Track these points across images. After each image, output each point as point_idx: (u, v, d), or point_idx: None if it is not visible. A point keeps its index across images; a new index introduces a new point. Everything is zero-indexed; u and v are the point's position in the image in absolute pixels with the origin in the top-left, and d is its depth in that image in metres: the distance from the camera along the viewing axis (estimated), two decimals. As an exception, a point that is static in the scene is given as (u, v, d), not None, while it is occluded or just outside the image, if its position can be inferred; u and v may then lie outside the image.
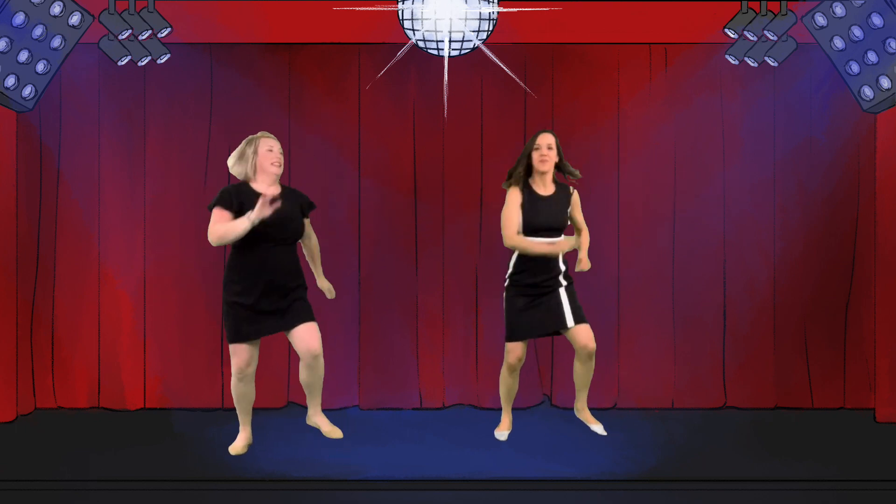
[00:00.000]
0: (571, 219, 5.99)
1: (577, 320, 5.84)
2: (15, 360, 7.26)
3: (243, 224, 5.45)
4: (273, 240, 5.57)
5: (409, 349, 7.69)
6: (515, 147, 7.65)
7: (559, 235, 5.89)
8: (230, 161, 5.76)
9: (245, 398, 5.82)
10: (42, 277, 7.54)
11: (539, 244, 5.81)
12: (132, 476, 5.69)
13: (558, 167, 5.97)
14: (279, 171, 5.71)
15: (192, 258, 7.62)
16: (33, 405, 7.53)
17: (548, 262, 5.85)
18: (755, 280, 7.65)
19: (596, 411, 7.42)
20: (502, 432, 6.14)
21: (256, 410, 7.43)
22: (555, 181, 5.97)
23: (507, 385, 6.10)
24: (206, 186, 7.60)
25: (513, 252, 5.92)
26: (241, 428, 5.87)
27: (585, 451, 6.17)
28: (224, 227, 5.52)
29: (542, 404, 7.62)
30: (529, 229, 5.84)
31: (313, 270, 6.07)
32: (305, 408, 7.35)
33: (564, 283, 5.90)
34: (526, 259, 5.84)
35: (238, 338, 5.63)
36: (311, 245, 5.99)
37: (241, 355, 5.66)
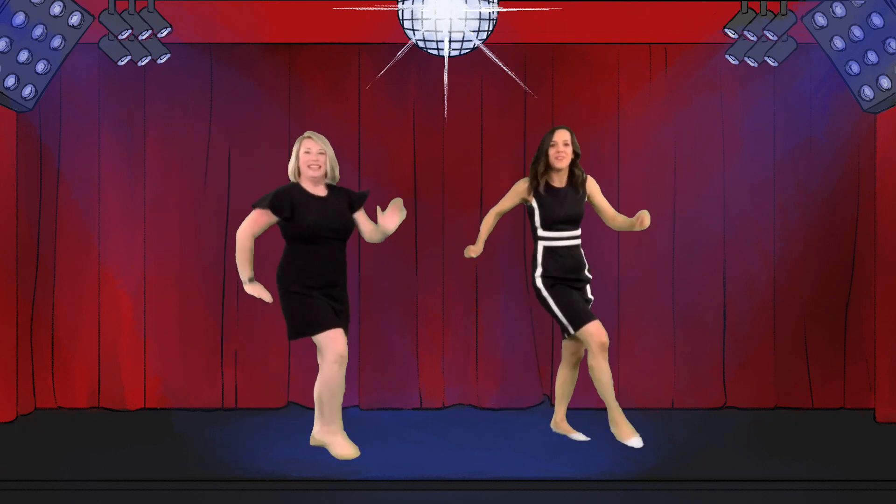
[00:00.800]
0: (597, 207, 6.29)
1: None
2: (15, 360, 7.26)
3: (244, 275, 5.81)
4: (321, 238, 5.79)
5: (409, 349, 7.69)
6: (515, 147, 7.67)
7: (577, 228, 6.20)
8: None
9: (342, 388, 5.83)
10: (42, 277, 7.54)
11: (483, 232, 6.30)
12: (132, 476, 5.69)
13: (573, 164, 6.21)
14: (315, 173, 5.86)
15: (192, 258, 7.62)
16: (33, 405, 7.53)
17: (572, 255, 6.16)
18: (755, 280, 7.65)
19: (596, 411, 7.43)
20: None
21: (256, 410, 7.48)
22: (571, 171, 6.23)
23: (606, 372, 6.10)
24: (206, 186, 7.60)
25: (535, 251, 6.19)
26: (338, 428, 5.89)
27: (585, 451, 6.18)
28: (241, 252, 5.81)
29: (542, 404, 7.62)
30: (549, 222, 6.13)
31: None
32: (305, 408, 7.40)
33: (590, 277, 6.26)
34: (553, 254, 6.12)
35: (323, 325, 5.72)
36: (375, 234, 6.09)
37: (337, 339, 5.73)
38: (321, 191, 5.92)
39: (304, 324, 5.79)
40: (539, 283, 6.16)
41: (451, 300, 7.70)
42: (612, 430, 6.14)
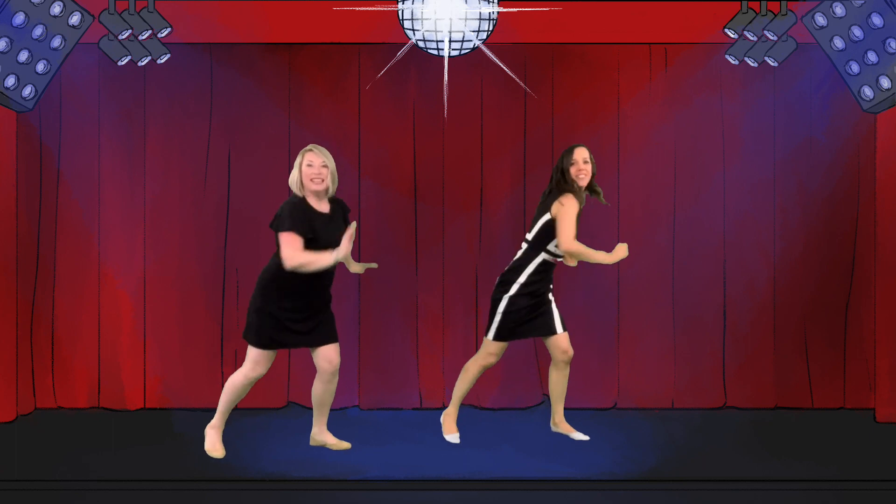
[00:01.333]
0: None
1: (564, 328, 6.16)
2: (15, 360, 7.26)
3: (328, 259, 5.62)
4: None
5: (409, 349, 7.69)
6: (515, 147, 7.67)
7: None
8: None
9: (240, 398, 6.01)
10: (42, 277, 7.54)
11: (596, 253, 5.98)
12: (132, 476, 5.69)
13: (590, 184, 6.13)
14: (318, 187, 5.76)
15: (192, 258, 7.62)
16: (33, 405, 7.53)
17: (552, 274, 6.13)
18: (755, 280, 7.65)
19: (596, 411, 7.44)
20: (454, 434, 6.32)
21: (256, 410, 7.47)
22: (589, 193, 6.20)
23: (472, 381, 6.30)
24: (206, 186, 7.60)
25: (526, 261, 6.08)
26: (219, 421, 6.03)
27: (585, 451, 6.17)
28: (308, 257, 5.64)
29: (541, 404, 7.62)
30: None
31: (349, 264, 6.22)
32: (306, 408, 7.39)
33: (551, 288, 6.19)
34: (546, 270, 6.06)
35: (270, 345, 5.82)
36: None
37: (263, 363, 5.86)
38: (325, 206, 5.83)
39: (253, 329, 5.84)
40: (513, 292, 6.06)
41: (451, 300, 7.70)
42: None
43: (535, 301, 6.08)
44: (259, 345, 5.83)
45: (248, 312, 5.92)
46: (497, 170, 7.66)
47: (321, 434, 6.22)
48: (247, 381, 5.90)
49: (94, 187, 7.57)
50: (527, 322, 6.10)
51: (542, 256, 6.08)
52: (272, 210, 5.89)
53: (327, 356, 5.93)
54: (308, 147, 5.87)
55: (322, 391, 6.08)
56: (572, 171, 6.02)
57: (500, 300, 6.09)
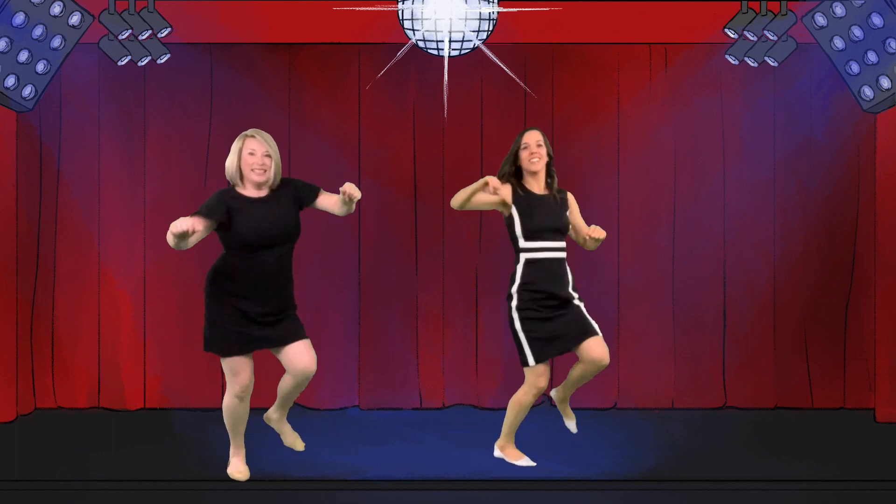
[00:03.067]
0: (573, 225, 5.69)
1: (594, 332, 5.55)
2: (15, 360, 7.26)
3: (179, 224, 4.87)
4: (257, 248, 5.18)
5: (409, 349, 7.69)
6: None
7: (562, 239, 5.62)
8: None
9: (242, 418, 5.44)
10: (42, 277, 7.54)
11: (470, 187, 5.49)
12: (132, 476, 5.69)
13: (548, 169, 5.68)
14: (260, 178, 5.17)
15: (192, 258, 7.58)
16: (33, 405, 7.53)
17: (555, 270, 5.56)
18: (755, 280, 7.65)
19: (596, 411, 7.44)
20: (524, 458, 5.85)
21: (256, 410, 7.44)
22: (550, 180, 5.71)
23: (524, 409, 5.72)
24: (206, 186, 7.59)
25: (515, 265, 5.60)
26: (236, 450, 5.52)
27: (585, 451, 6.17)
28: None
29: (541, 404, 7.61)
30: (531, 232, 5.55)
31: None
32: (305, 407, 7.39)
33: (576, 296, 5.59)
34: (534, 268, 5.55)
35: (231, 350, 5.23)
36: (342, 207, 5.33)
37: (242, 372, 5.27)
38: (262, 192, 5.23)
39: (212, 339, 5.33)
40: (514, 303, 5.55)
41: (451, 300, 7.70)
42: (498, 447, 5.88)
43: (545, 307, 5.55)
44: (218, 351, 5.31)
45: (205, 321, 5.43)
46: (497, 170, 7.64)
47: (281, 423, 5.66)
48: (235, 399, 5.33)
49: (94, 187, 7.57)
50: (550, 330, 5.53)
51: (523, 256, 5.59)
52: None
53: (298, 356, 5.24)
54: (249, 132, 5.24)
55: (292, 391, 5.40)
56: (523, 155, 5.62)
57: (512, 319, 5.58)
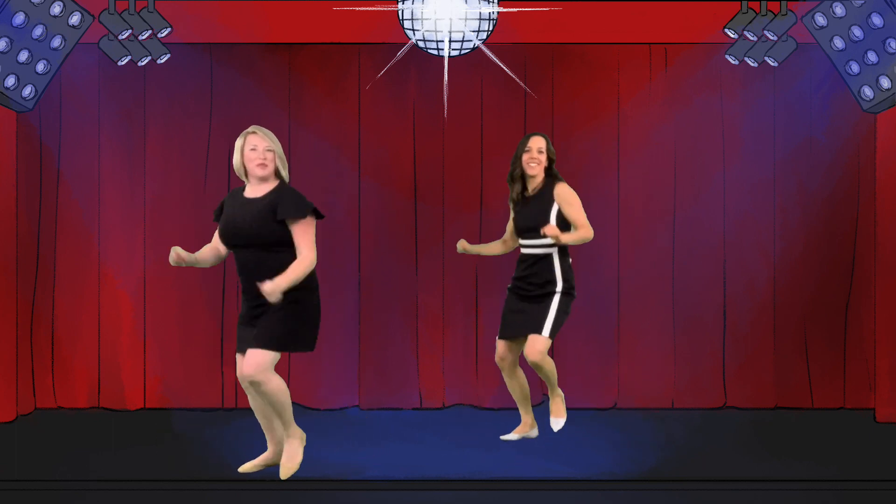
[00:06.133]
0: (568, 217, 5.81)
1: (541, 331, 5.74)
2: (15, 360, 7.26)
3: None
4: (232, 245, 5.26)
5: (409, 349, 7.69)
6: (515, 147, 7.66)
7: (537, 237, 5.77)
8: None
9: (259, 411, 5.56)
10: (42, 277, 7.54)
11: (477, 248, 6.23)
12: (132, 476, 5.69)
13: (548, 171, 5.90)
14: (262, 172, 5.21)
15: (192, 258, 7.61)
16: (33, 405, 7.53)
17: (532, 265, 5.83)
18: (755, 280, 7.65)
19: (596, 411, 7.44)
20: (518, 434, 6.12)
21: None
22: (545, 179, 5.89)
23: (508, 386, 6.08)
24: (206, 186, 7.60)
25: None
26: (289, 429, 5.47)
27: (585, 451, 6.17)
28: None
29: (541, 404, 7.61)
30: (518, 230, 5.96)
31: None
32: (305, 408, 7.40)
33: (559, 291, 5.80)
34: (520, 261, 5.93)
35: (238, 344, 5.39)
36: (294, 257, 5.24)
37: (239, 364, 5.37)
38: (258, 191, 5.23)
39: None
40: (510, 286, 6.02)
41: (451, 300, 7.70)
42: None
43: (520, 296, 5.88)
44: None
45: None
46: (497, 170, 7.63)
47: (283, 440, 5.51)
48: (251, 395, 5.43)
49: (94, 187, 7.57)
50: (511, 316, 5.91)
51: (520, 250, 6.00)
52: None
53: (245, 361, 5.22)
54: (250, 129, 5.28)
55: (259, 405, 5.45)
56: (524, 158, 5.89)
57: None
